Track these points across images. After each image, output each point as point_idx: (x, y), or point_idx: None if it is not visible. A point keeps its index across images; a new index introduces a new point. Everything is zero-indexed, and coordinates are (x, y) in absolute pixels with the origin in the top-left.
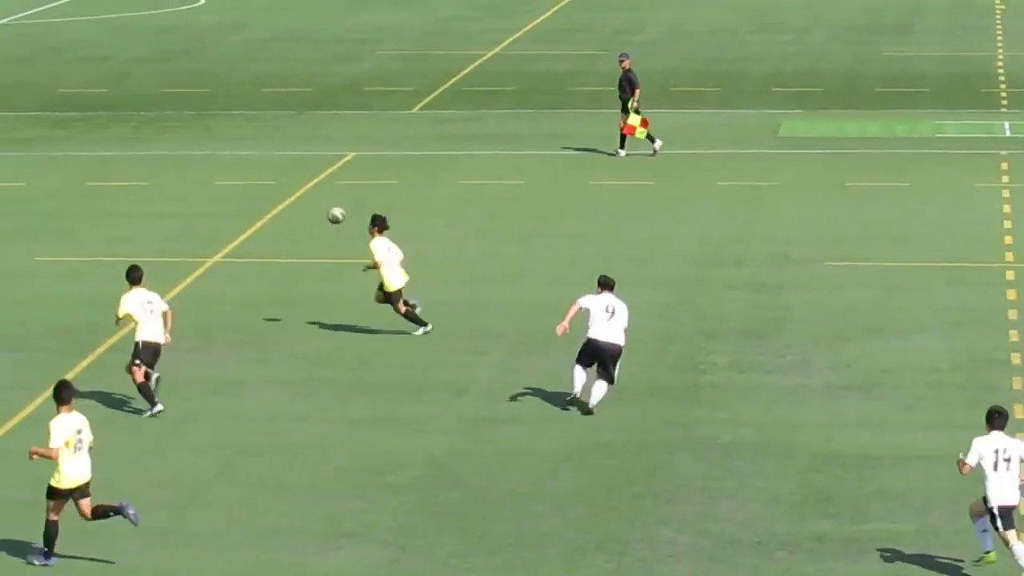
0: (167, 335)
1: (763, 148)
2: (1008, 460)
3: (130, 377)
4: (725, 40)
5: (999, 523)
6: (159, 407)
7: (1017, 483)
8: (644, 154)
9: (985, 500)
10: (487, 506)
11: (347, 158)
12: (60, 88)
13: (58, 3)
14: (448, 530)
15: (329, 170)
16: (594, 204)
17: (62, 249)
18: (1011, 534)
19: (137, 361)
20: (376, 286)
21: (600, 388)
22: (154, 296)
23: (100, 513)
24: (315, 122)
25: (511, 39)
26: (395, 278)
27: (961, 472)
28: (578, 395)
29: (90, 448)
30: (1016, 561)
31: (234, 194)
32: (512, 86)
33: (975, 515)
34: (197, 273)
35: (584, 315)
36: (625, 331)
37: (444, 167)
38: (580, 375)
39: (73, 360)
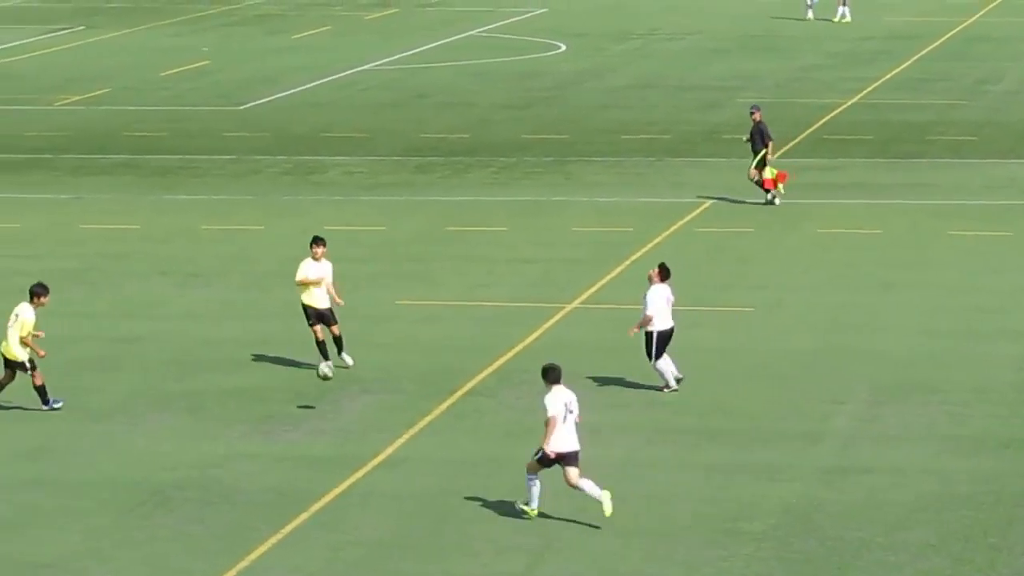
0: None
1: None
2: (572, 412)
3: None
4: None
5: (567, 468)
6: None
7: (575, 432)
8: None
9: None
10: (842, 555)
11: (705, 205)
12: (423, 133)
13: (423, 48)
14: None
15: (687, 217)
16: (953, 254)
17: (423, 293)
18: (573, 472)
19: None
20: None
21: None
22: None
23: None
24: (674, 169)
25: (870, 88)
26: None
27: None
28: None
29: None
30: (588, 494)
31: (592, 240)
32: (871, 135)
33: (529, 472)
34: (555, 319)
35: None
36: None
37: (801, 215)
38: (669, 365)
39: (432, 403)
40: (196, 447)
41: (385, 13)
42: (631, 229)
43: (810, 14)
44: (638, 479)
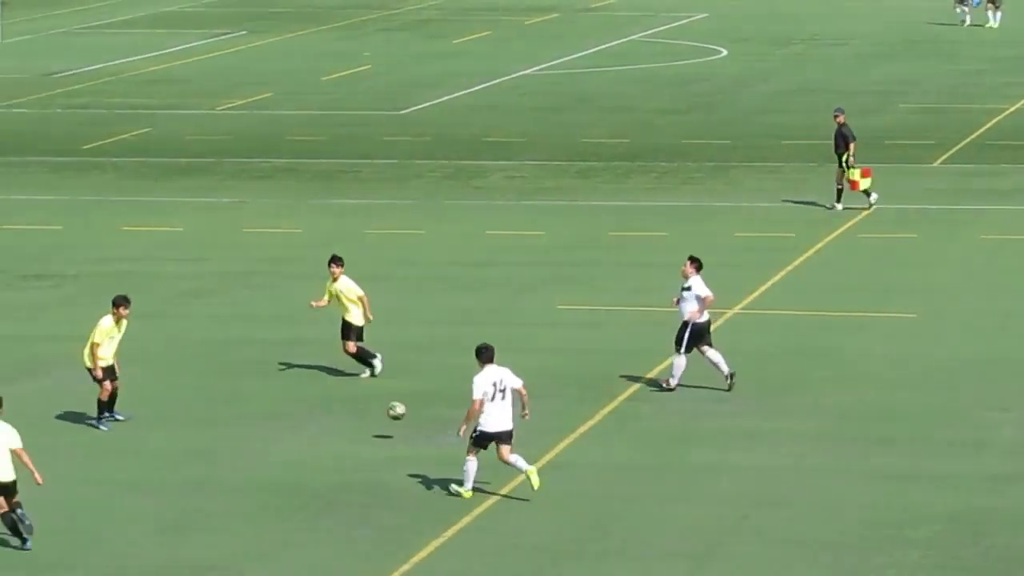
0: None
1: None
2: (503, 391)
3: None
4: None
5: (500, 446)
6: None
7: (510, 411)
8: (861, 207)
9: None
10: (1008, 564)
11: (867, 211)
12: (584, 138)
13: (584, 53)
14: None
15: (849, 223)
16: None
17: (583, 298)
18: (506, 449)
19: None
20: None
21: (717, 355)
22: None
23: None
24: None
25: None
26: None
27: (472, 411)
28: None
29: None
30: (516, 467)
31: (754, 246)
32: None
33: (468, 454)
34: (717, 324)
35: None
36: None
37: (965, 221)
38: (683, 363)
39: (593, 408)
40: (359, 450)
41: (546, 18)
42: (793, 235)
43: (967, 19)
44: (803, 487)
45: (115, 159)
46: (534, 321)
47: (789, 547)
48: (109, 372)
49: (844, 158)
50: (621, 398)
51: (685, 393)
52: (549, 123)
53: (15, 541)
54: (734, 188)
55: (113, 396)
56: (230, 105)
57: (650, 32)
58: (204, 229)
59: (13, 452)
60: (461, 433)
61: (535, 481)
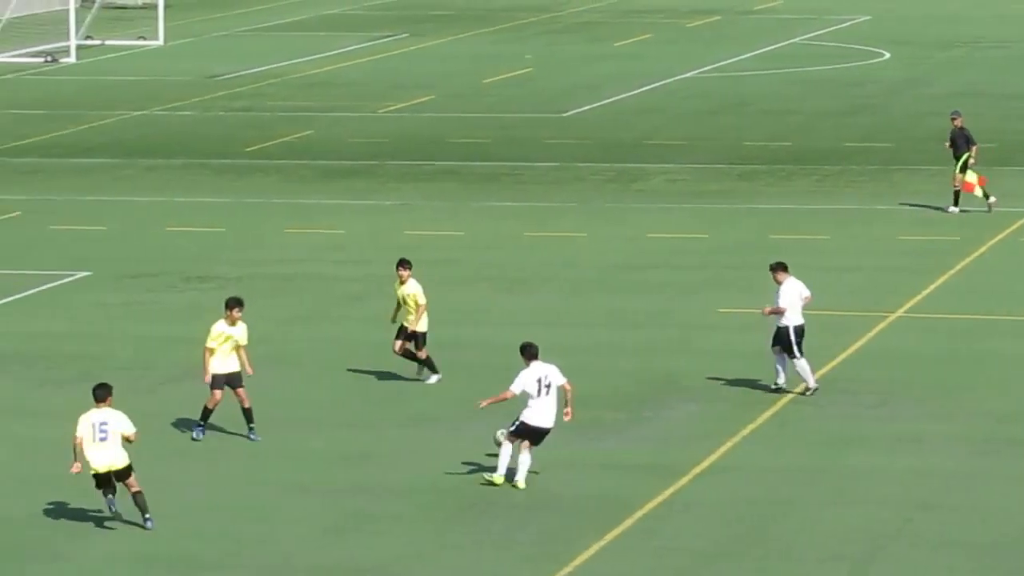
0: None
1: None
2: (548, 387)
3: None
4: None
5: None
6: None
7: (554, 408)
8: (980, 210)
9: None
10: None
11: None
12: (745, 141)
13: (745, 56)
14: None
15: (1013, 227)
16: None
17: (745, 301)
18: (526, 446)
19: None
20: None
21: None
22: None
23: None
24: (1000, 178)
25: None
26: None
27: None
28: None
29: None
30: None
31: (917, 249)
32: None
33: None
34: (879, 327)
35: None
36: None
37: None
38: (806, 364)
39: (754, 411)
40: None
41: (708, 20)
42: (957, 238)
43: None
44: (965, 490)
45: (277, 161)
46: (695, 324)
47: (951, 550)
48: (228, 380)
49: (965, 158)
50: (783, 401)
51: (845, 396)
52: (710, 126)
53: (135, 526)
54: (897, 191)
55: (245, 410)
56: (392, 108)
57: (812, 35)
58: (365, 232)
59: (124, 438)
60: (483, 405)
61: (521, 482)
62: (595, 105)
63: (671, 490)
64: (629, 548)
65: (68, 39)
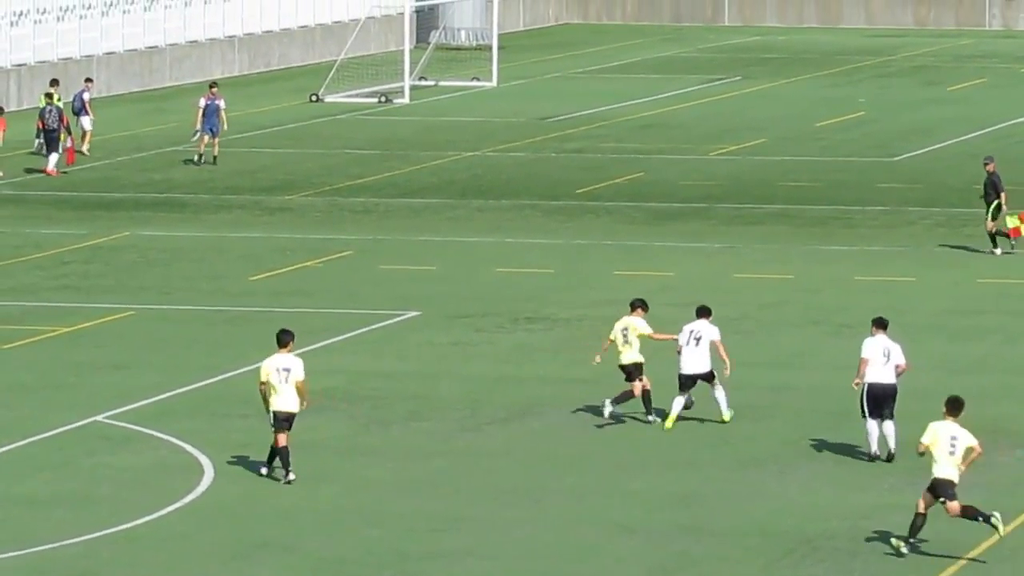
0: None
1: None
2: (698, 339)
3: None
4: None
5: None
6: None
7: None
8: None
9: None
10: None
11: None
12: None
13: None
14: None
15: None
16: None
17: None
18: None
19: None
20: None
21: (890, 430)
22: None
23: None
24: None
25: None
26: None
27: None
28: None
29: None
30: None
31: None
32: None
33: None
34: None
35: None
36: (899, 371)
37: None
38: (873, 429)
39: None
40: (846, 497)
41: None
42: None
43: None
44: None
45: (608, 203)
46: (1022, 370)
47: None
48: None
49: (995, 205)
50: None
51: None
52: None
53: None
54: None
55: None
56: (724, 150)
57: None
58: (695, 274)
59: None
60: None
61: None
62: (927, 149)
63: (980, 549)
64: None
65: (402, 80)
